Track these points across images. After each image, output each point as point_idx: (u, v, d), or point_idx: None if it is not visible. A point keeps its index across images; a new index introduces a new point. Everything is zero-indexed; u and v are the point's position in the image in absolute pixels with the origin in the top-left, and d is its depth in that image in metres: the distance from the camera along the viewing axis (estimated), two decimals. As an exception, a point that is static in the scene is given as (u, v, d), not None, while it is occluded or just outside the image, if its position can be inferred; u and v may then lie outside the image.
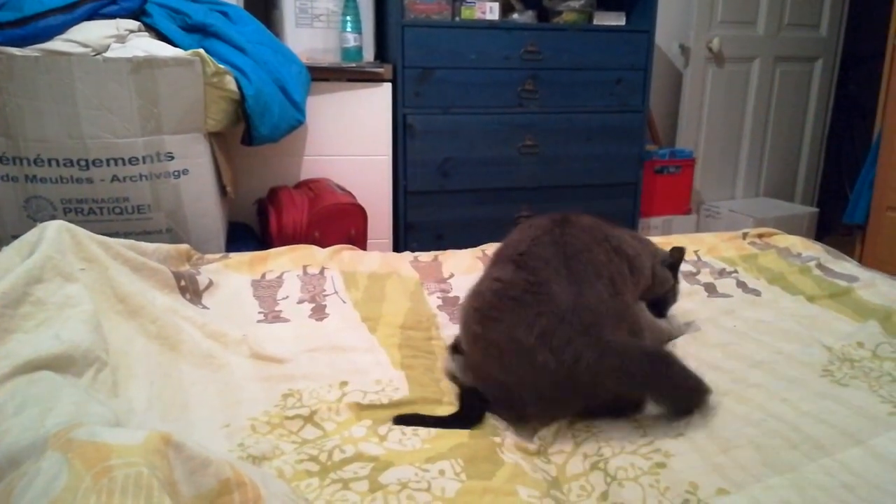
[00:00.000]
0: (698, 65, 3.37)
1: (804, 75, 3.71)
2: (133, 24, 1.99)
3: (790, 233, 3.36)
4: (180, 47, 1.96)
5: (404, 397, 0.98)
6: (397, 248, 2.76)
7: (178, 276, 1.35)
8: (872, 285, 1.55)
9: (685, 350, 1.20)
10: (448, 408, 0.98)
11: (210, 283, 1.42)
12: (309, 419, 0.91)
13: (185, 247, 1.57)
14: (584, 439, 0.94)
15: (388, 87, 2.57)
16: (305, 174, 2.57)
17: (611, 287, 1.01)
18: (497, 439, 0.90)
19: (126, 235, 1.99)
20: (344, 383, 1.00)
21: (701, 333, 1.26)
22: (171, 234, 2.01)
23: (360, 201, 2.44)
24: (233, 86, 1.97)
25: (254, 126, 2.04)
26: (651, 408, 1.00)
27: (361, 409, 0.93)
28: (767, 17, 3.49)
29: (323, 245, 2.17)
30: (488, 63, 2.66)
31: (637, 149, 2.95)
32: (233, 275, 1.48)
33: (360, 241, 2.25)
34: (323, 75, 2.47)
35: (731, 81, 3.50)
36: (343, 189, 2.39)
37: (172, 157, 1.94)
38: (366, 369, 1.06)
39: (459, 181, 2.75)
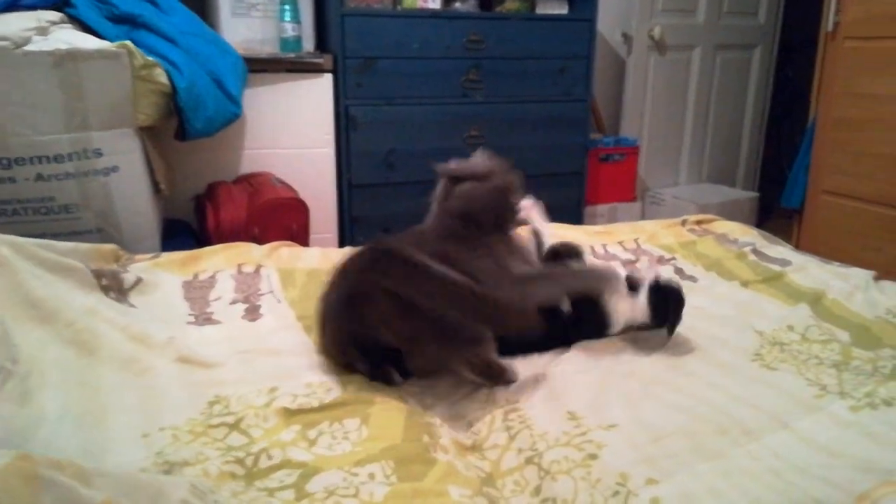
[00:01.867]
0: (641, 53, 3.40)
1: (743, 62, 3.78)
2: (55, 15, 1.90)
3: (732, 218, 3.44)
4: (107, 39, 1.88)
5: (336, 399, 0.95)
6: (342, 242, 2.73)
7: (98, 274, 1.30)
8: (804, 269, 1.58)
9: (623, 339, 1.21)
10: (382, 405, 0.96)
11: (138, 281, 1.37)
12: (235, 426, 0.88)
13: (110, 247, 1.51)
14: (518, 431, 0.94)
15: (328, 78, 2.52)
16: (245, 169, 2.51)
17: None
18: (429, 439, 0.89)
19: (54, 236, 1.90)
20: (273, 389, 0.97)
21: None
22: (101, 234, 1.94)
23: (304, 195, 2.39)
24: (163, 79, 1.90)
25: (187, 120, 1.98)
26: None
27: (291, 414, 0.91)
28: (707, 6, 3.54)
29: (263, 242, 2.14)
30: (431, 53, 2.63)
31: (582, 138, 2.97)
32: (163, 274, 1.43)
33: (301, 236, 2.21)
34: (261, 66, 2.41)
35: (673, 69, 3.54)
36: (283, 183, 2.35)
37: (101, 154, 1.87)
38: (297, 372, 1.03)
39: (405, 173, 2.72)
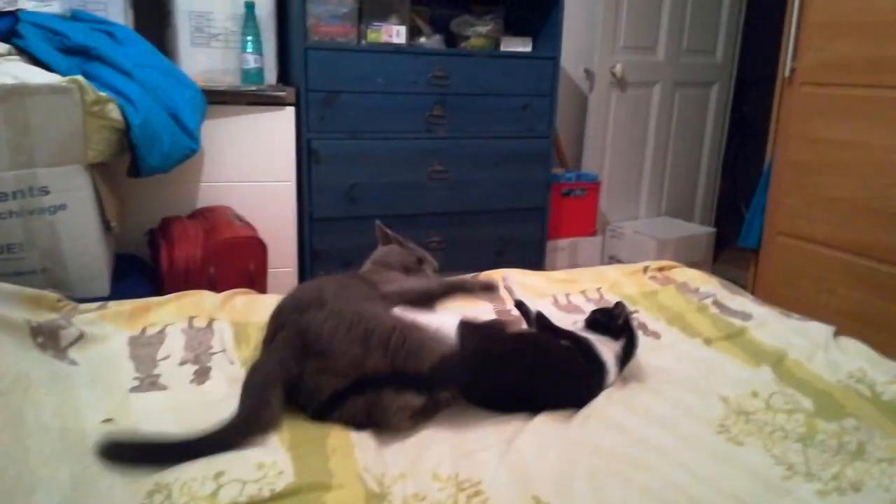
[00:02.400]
0: (602, 89, 3.44)
1: (702, 99, 3.85)
2: (3, 47, 1.83)
3: (690, 252, 3.51)
4: (58, 72, 1.81)
5: (288, 486, 0.90)
6: (303, 276, 2.67)
7: (35, 332, 1.23)
8: (765, 324, 1.59)
9: (590, 404, 1.18)
10: (338, 491, 0.91)
11: (81, 336, 1.30)
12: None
13: (52, 295, 1.43)
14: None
15: (291, 111, 2.48)
16: (203, 202, 2.43)
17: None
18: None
19: (-5, 277, 1.82)
20: (220, 474, 0.91)
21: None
22: (46, 274, 1.85)
23: (264, 229, 2.33)
24: (116, 114, 1.83)
25: (141, 157, 1.91)
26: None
27: (239, 508, 0.86)
28: (667, 44, 3.60)
29: (219, 282, 2.07)
30: (396, 88, 2.61)
31: (544, 173, 2.97)
32: (109, 328, 1.35)
33: (259, 276, 2.15)
34: (221, 98, 2.35)
35: (634, 105, 3.59)
36: (242, 220, 2.28)
37: (48, 192, 1.79)
38: (247, 452, 0.97)
39: (367, 207, 2.69)
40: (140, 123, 1.86)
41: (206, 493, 0.88)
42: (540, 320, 1.34)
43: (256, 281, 2.14)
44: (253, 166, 2.47)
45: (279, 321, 1.17)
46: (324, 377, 1.08)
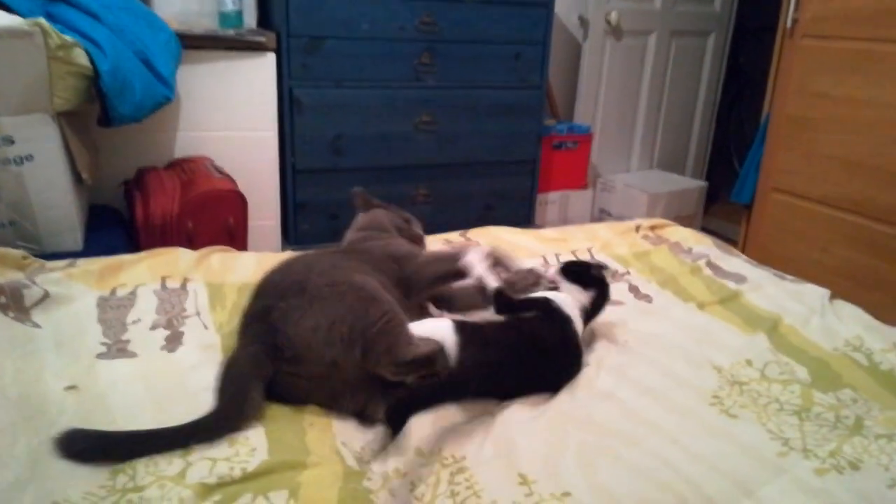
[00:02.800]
0: (597, 38, 3.32)
1: (698, 49, 3.74)
2: (-43, -15, 1.70)
3: (681, 205, 3.45)
4: (19, 14, 1.69)
5: (261, 464, 0.84)
6: (286, 229, 2.60)
7: None
8: (760, 287, 1.55)
9: (582, 374, 1.14)
10: (314, 470, 0.86)
11: (45, 296, 1.23)
12: (138, 506, 0.78)
13: (16, 252, 1.36)
14: (465, 499, 0.86)
15: (271, 57, 2.36)
16: (180, 152, 2.34)
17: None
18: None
19: (-40, 231, 1.74)
20: (188, 451, 0.86)
21: (595, 354, 1.20)
22: (14, 228, 1.77)
23: (244, 181, 2.24)
24: (83, 60, 1.72)
25: (111, 106, 1.81)
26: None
27: (207, 490, 0.81)
28: (665, -10, 3.47)
29: (197, 237, 1.99)
30: (382, 34, 2.49)
31: (536, 126, 2.89)
32: (77, 287, 1.29)
33: (239, 231, 2.07)
34: (197, 43, 2.23)
35: (629, 55, 3.47)
36: (221, 172, 2.19)
37: (12, 142, 1.69)
38: (216, 423, 0.92)
39: (353, 159, 2.60)
40: (109, 69, 1.76)
41: (174, 473, 0.83)
42: (498, 299, 1.23)
43: (236, 236, 2.07)
44: (232, 115, 2.36)
45: (258, 303, 1.08)
46: (298, 381, 1.01)
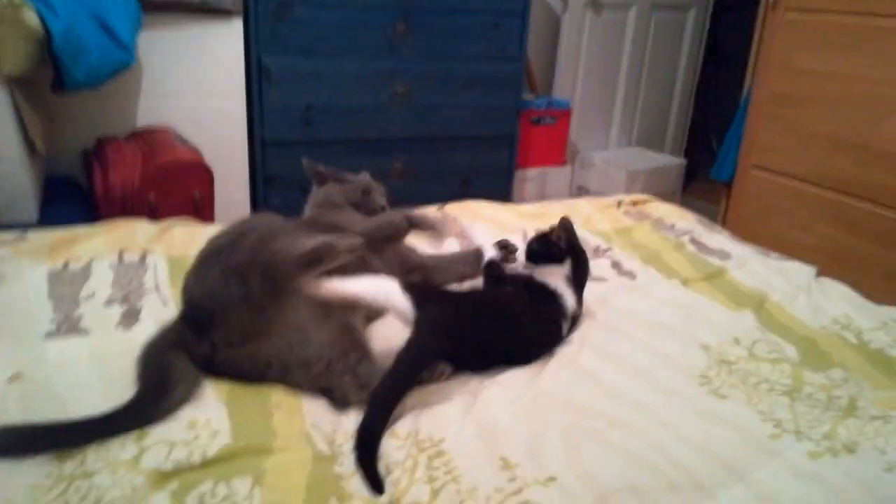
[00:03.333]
0: (576, 10, 3.24)
1: (678, 24, 3.68)
2: None
3: (660, 183, 3.42)
4: (-39, -33, 1.57)
5: (223, 449, 0.78)
6: (255, 203, 2.50)
7: None
8: (744, 264, 1.51)
9: (561, 352, 1.09)
10: (281, 455, 0.80)
11: (-10, 275, 1.14)
12: (86, 497, 0.70)
13: (-38, 228, 1.26)
14: (444, 484, 0.80)
15: (239, 23, 2.25)
16: (143, 122, 2.23)
17: None
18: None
19: None
20: (143, 434, 0.79)
21: (578, 332, 1.15)
22: (-36, 200, 1.67)
23: (212, 152, 2.15)
24: (34, 21, 1.62)
25: (65, 70, 1.70)
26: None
27: (163, 477, 0.74)
28: (646, -37, 3.40)
29: (160, 209, 1.90)
30: (355, 1, 2.39)
31: (514, 99, 2.82)
32: (25, 264, 1.20)
33: (205, 204, 1.98)
34: (160, 5, 2.11)
35: (609, 29, 3.41)
36: (185, 142, 2.09)
37: (-42, 108, 1.58)
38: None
39: (325, 130, 2.51)
40: (62, 32, 1.65)
41: (126, 458, 0.76)
42: (488, 270, 1.22)
43: (203, 209, 1.98)
44: (198, 84, 2.26)
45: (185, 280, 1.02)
46: (235, 350, 0.94)
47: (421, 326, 0.97)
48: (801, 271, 1.47)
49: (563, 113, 3.22)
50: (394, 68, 2.53)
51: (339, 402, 0.94)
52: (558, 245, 1.17)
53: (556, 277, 1.15)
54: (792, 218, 2.46)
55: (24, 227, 1.41)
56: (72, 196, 2.03)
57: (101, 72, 1.80)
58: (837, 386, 1.03)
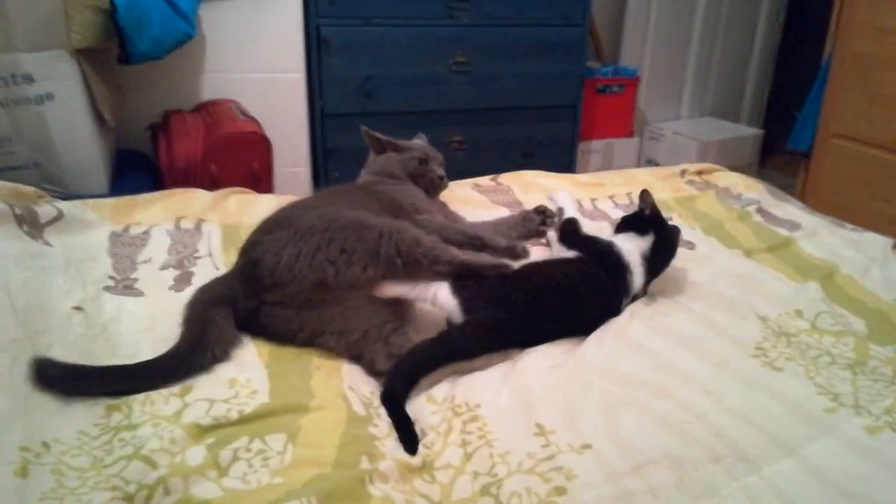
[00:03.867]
0: (646, -28, 3.11)
1: (757, -16, 3.49)
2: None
3: (734, 156, 3.27)
4: (32, -56, 1.63)
5: (260, 407, 0.79)
6: (317, 176, 2.54)
7: (18, 219, 1.13)
8: (814, 234, 1.43)
9: (609, 323, 1.05)
10: (316, 414, 0.81)
11: (59, 216, 1.20)
12: (130, 444, 0.73)
13: (31, 190, 1.33)
14: (477, 448, 0.79)
15: (297, -8, 2.26)
16: (207, 95, 2.28)
17: None
18: (368, 463, 0.74)
19: (-14, 171, 1.72)
20: (187, 389, 0.82)
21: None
22: (39, 170, 1.75)
23: (272, 125, 2.18)
24: (100, -7, 1.67)
25: (129, 41, 1.75)
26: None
27: (201, 431, 0.76)
28: (722, -79, 3.22)
29: (221, 181, 1.94)
30: (413, -33, 2.37)
31: (577, 67, 2.74)
32: (91, 215, 1.25)
33: (264, 175, 2.02)
34: (221, -21, 2.15)
35: (680, -9, 3.26)
36: (246, 115, 2.13)
37: (32, 80, 1.66)
38: (218, 364, 0.87)
39: (384, 102, 2.51)
40: (126, 3, 1.70)
41: (170, 413, 0.79)
42: (565, 227, 1.21)
43: (262, 180, 2.01)
44: (258, 56, 2.29)
45: (249, 238, 1.05)
46: (284, 311, 0.96)
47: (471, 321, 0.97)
48: (875, 243, 1.37)
49: (630, 81, 3.12)
50: (452, 36, 2.50)
51: (368, 369, 0.94)
52: (643, 214, 1.15)
53: (632, 251, 1.12)
54: (875, 190, 2.31)
55: (97, 197, 1.47)
56: (140, 168, 2.10)
57: (164, 43, 1.85)
58: (906, 361, 0.96)
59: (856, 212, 2.30)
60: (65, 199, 1.46)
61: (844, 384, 0.91)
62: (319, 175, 2.53)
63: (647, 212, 1.15)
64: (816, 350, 0.99)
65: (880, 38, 2.24)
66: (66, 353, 0.87)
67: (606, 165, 3.21)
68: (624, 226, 1.17)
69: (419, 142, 1.53)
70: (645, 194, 1.17)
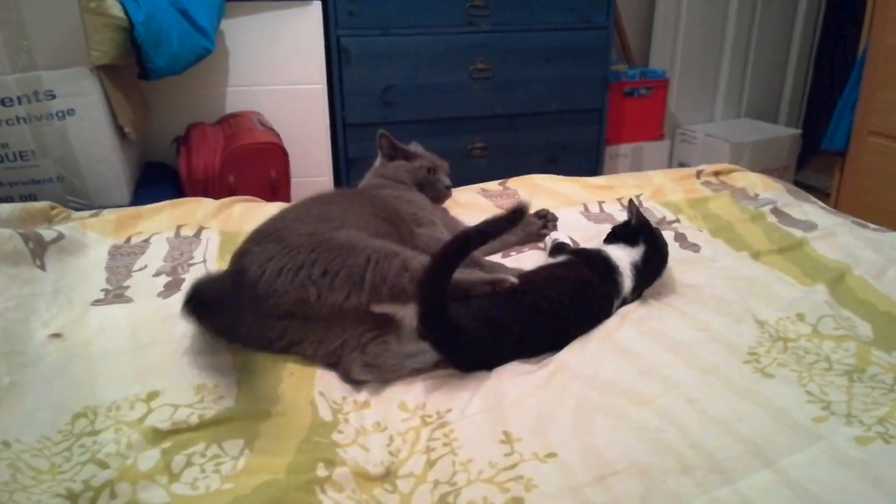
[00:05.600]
0: (674, -28, 3.05)
1: (793, -20, 3.38)
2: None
3: (768, 158, 3.16)
4: (51, -35, 1.70)
5: (222, 411, 0.80)
6: (339, 185, 2.55)
7: (26, 238, 1.16)
8: (831, 235, 1.36)
9: (601, 327, 1.02)
10: (277, 419, 0.81)
11: (59, 237, 1.23)
12: (88, 449, 0.74)
13: (41, 205, 1.37)
14: (441, 456, 0.77)
15: (317, 5, 2.29)
16: (231, 108, 2.33)
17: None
18: (324, 470, 0.73)
19: (12, 186, 1.79)
20: (154, 394, 0.82)
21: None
22: (63, 184, 1.81)
23: (294, 136, 2.21)
24: (117, 11, 1.72)
25: (147, 57, 1.80)
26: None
27: (159, 435, 0.76)
28: (754, -86, 3.13)
29: (239, 191, 1.98)
30: (430, -25, 2.37)
31: (602, 70, 2.69)
32: (91, 235, 1.28)
33: (282, 184, 2.04)
34: (241, -7, 2.20)
35: (712, -10, 3.18)
36: (266, 125, 2.16)
37: (53, 96, 1.72)
38: (190, 370, 0.87)
39: (405, 111, 2.51)
40: (143, 20, 1.74)
41: (133, 419, 0.80)
42: (556, 246, 1.23)
43: (279, 189, 2.04)
44: (280, 68, 2.33)
45: (240, 246, 1.05)
46: (264, 322, 0.96)
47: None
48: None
49: (659, 83, 3.05)
50: (472, 43, 2.49)
51: (343, 376, 0.93)
52: (630, 223, 1.13)
53: (622, 257, 1.10)
54: (914, 188, 2.20)
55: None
56: (164, 180, 2.16)
57: (183, 58, 1.89)
58: (910, 367, 0.90)
59: (892, 211, 2.19)
60: (87, 209, 1.50)
61: (838, 392, 0.85)
62: (342, 184, 2.55)
63: (633, 221, 1.12)
64: (814, 356, 0.94)
65: (918, 30, 2.14)
66: (39, 375, 0.88)
67: (636, 169, 3.14)
68: (613, 237, 1.14)
69: (418, 148, 1.54)
70: (631, 203, 1.15)
